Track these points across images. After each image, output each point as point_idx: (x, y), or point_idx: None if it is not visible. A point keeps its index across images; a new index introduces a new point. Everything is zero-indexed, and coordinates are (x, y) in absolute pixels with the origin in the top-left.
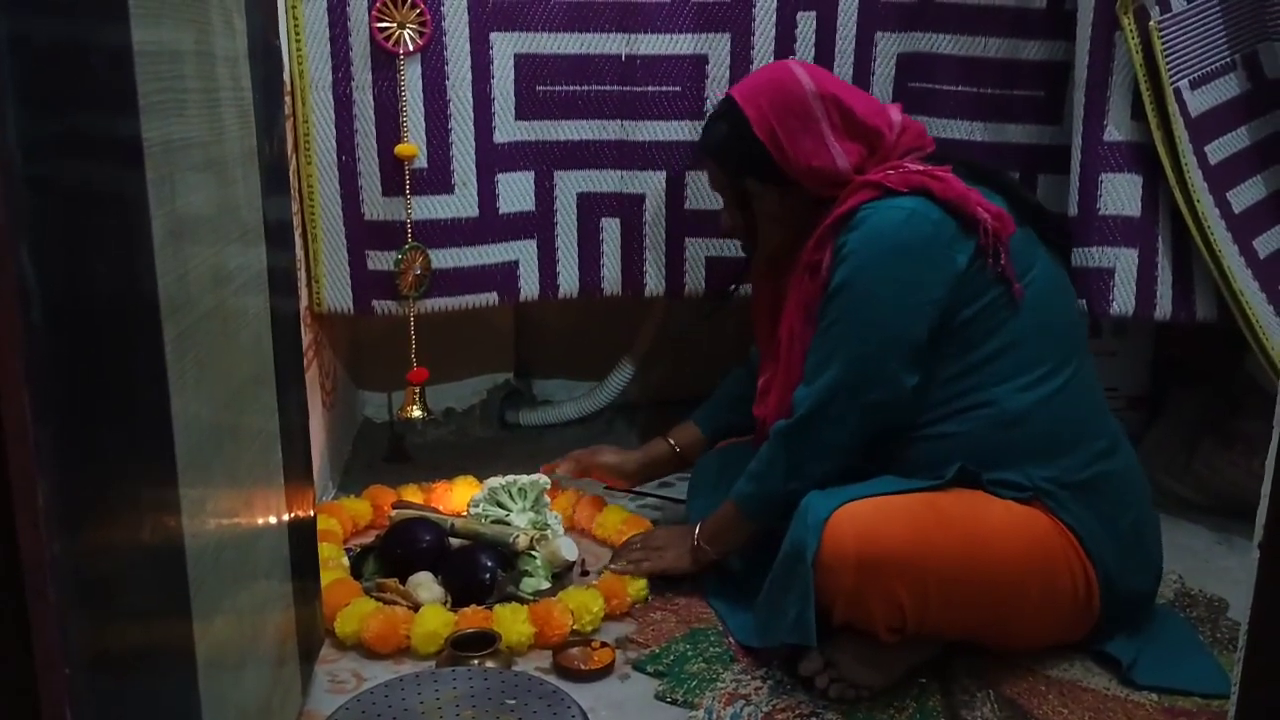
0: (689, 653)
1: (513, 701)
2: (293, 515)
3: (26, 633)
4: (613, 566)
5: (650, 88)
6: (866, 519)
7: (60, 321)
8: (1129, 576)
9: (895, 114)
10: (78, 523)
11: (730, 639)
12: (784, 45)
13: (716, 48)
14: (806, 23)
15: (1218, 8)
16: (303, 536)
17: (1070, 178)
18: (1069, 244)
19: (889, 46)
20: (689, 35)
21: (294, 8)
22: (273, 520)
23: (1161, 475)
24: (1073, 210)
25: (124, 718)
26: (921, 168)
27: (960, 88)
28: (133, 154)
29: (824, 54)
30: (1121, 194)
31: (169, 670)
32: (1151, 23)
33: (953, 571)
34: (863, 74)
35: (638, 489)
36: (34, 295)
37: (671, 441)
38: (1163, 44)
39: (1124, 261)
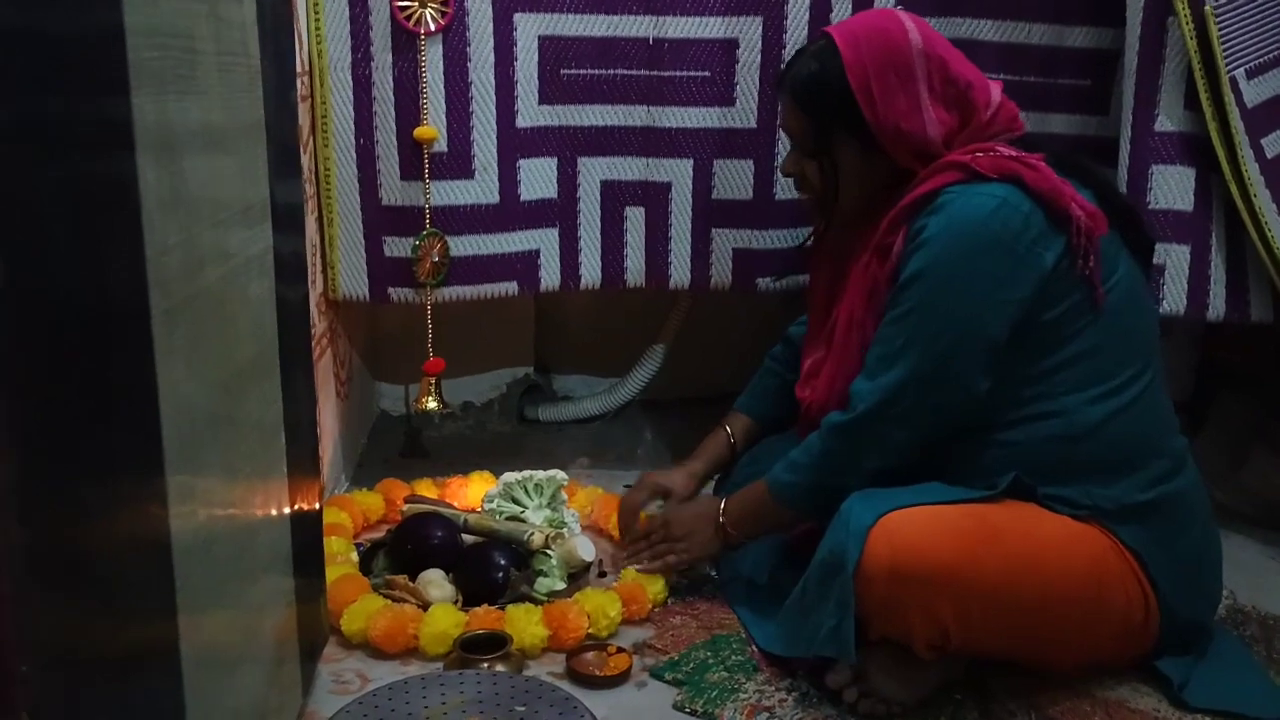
0: (710, 660)
1: (523, 708)
2: (296, 508)
3: None
4: (636, 567)
5: (678, 72)
6: (913, 530)
7: (22, 282)
8: (1191, 604)
9: (996, 92)
10: (42, 507)
11: (754, 647)
12: (818, 27)
13: (748, 31)
14: (842, 6)
15: None
16: (306, 530)
17: (1118, 170)
18: (1152, 249)
19: None
20: (719, 18)
21: None
22: (273, 513)
23: (1208, 486)
24: None
25: (95, 717)
26: (1014, 153)
27: (1002, 76)
28: (117, 108)
29: None
30: (1173, 187)
31: (149, 668)
32: (1207, 7)
33: (1001, 590)
34: None
35: None
36: None
37: (728, 430)
38: (1219, 30)
39: (1175, 258)
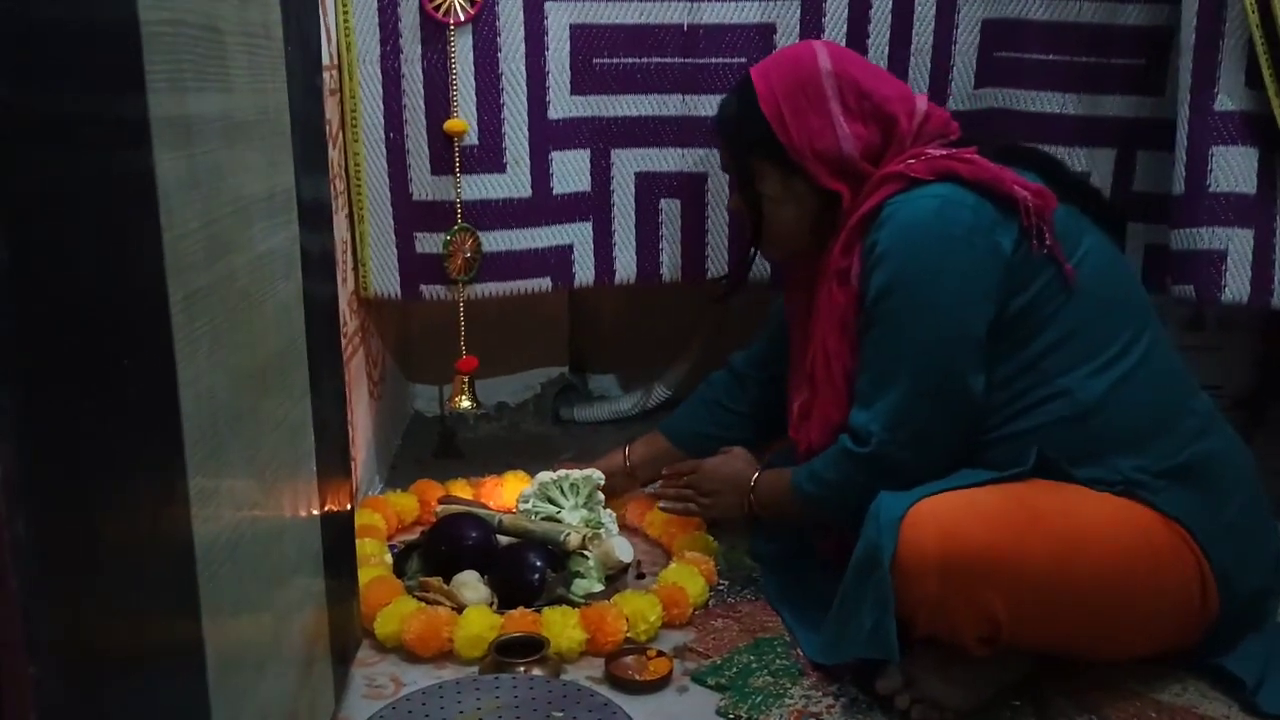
0: (753, 665)
1: (560, 714)
2: (325, 509)
3: None
4: (661, 504)
5: (714, 59)
6: (948, 515)
7: (31, 262)
8: (1247, 570)
9: (922, 102)
10: (50, 499)
11: (798, 651)
12: (858, 12)
13: (785, 15)
14: None
15: None
16: (337, 531)
17: (1175, 152)
18: (1119, 217)
19: (973, 12)
20: (756, 3)
21: None
22: (301, 513)
23: (1265, 481)
24: (1179, 188)
25: (117, 719)
26: (945, 151)
27: (1051, 56)
28: (134, 87)
29: (902, 21)
30: (1235, 169)
31: (172, 669)
32: None
33: (1051, 571)
34: (944, 43)
35: None
36: None
37: (626, 453)
38: None
39: (1237, 243)
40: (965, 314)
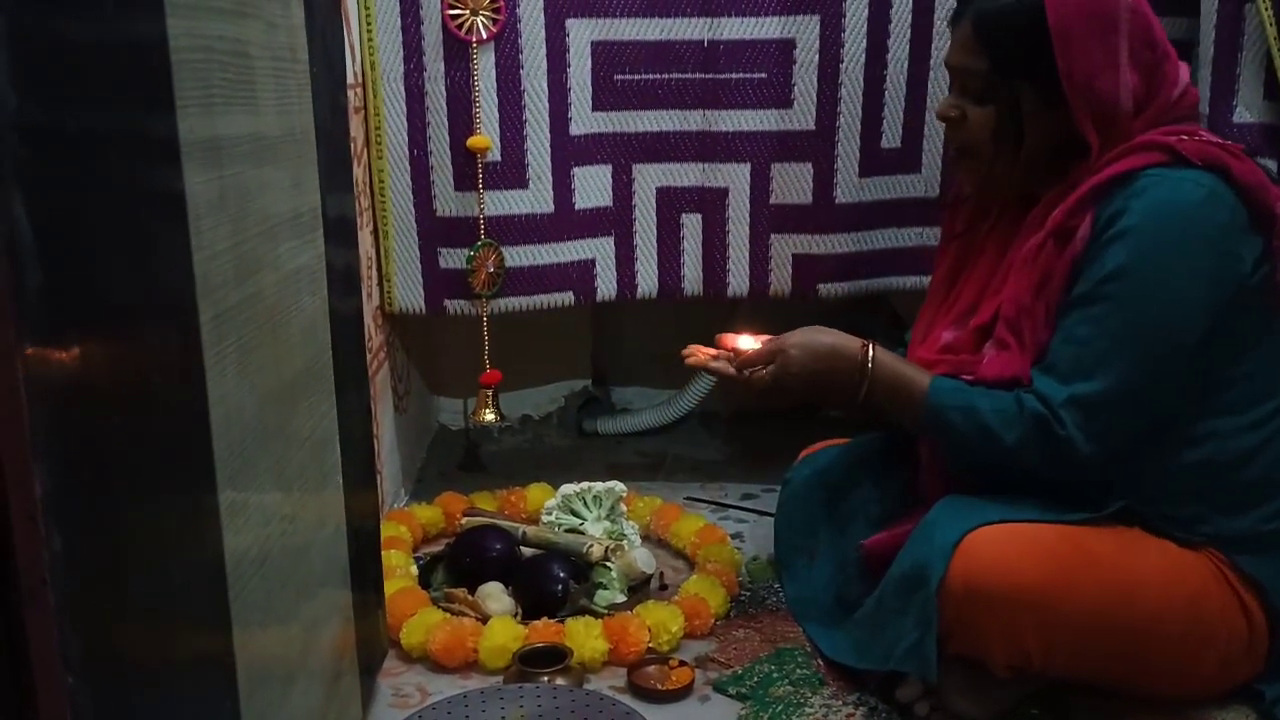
0: (774, 674)
1: None
2: (353, 522)
3: (22, 636)
4: (744, 371)
5: (734, 75)
6: (1002, 548)
7: (65, 282)
8: None
9: (1185, 73)
10: (84, 516)
11: (819, 661)
12: (877, 25)
13: (805, 31)
14: (902, 3)
15: None
16: (364, 544)
17: None
18: None
19: None
20: (775, 18)
21: None
22: (329, 526)
23: None
24: None
25: None
26: (1219, 140)
27: None
28: (164, 110)
29: (920, 36)
30: None
31: (203, 682)
32: None
33: (1091, 620)
34: None
35: (721, 500)
36: (27, 251)
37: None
38: None
39: None
40: (1194, 320)
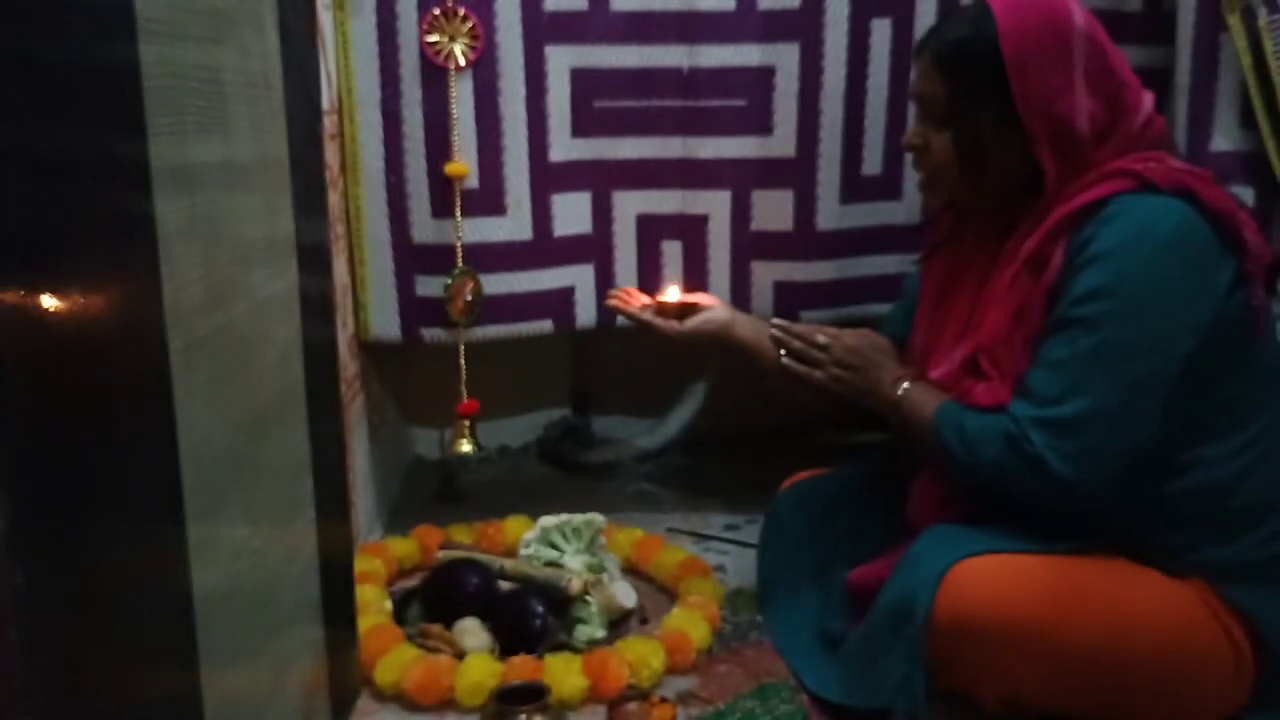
0: (758, 710)
1: None
2: (324, 555)
3: None
4: (785, 359)
5: (714, 102)
6: (990, 580)
7: (31, 309)
8: None
9: (1149, 101)
10: (48, 550)
11: (804, 695)
12: (857, 54)
13: (784, 58)
14: (881, 30)
15: None
16: (336, 579)
17: None
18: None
19: None
20: (755, 45)
21: (342, 24)
22: (300, 560)
23: None
24: None
25: None
26: (1186, 166)
27: None
28: (135, 136)
29: (900, 64)
30: None
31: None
32: (1260, 22)
33: (1086, 655)
34: None
35: (703, 532)
36: None
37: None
38: (1275, 45)
39: None
40: (1171, 345)
